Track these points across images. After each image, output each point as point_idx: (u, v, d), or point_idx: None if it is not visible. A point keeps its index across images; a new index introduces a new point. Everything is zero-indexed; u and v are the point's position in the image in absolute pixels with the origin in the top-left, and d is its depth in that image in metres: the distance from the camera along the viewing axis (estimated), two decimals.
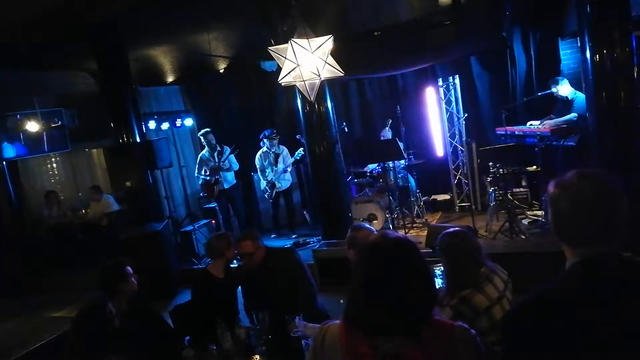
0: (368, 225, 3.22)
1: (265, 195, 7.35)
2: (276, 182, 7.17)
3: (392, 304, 1.35)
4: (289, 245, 6.42)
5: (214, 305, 3.28)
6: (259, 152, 7.31)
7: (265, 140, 7.17)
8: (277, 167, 7.12)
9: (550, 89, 5.78)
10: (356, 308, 1.42)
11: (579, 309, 1.19)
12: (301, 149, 6.96)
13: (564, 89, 5.73)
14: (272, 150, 7.18)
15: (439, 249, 2.47)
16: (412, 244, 1.48)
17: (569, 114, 5.63)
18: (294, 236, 7.20)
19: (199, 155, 7.51)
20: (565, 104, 5.79)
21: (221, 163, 7.16)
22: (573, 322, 1.18)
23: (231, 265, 3.80)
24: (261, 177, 7.33)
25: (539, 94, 5.90)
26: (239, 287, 3.64)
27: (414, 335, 1.35)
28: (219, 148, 7.33)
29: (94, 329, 2.29)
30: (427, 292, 1.41)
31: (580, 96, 5.66)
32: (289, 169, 7.26)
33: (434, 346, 1.35)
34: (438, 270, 2.77)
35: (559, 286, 1.27)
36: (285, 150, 7.25)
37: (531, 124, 5.85)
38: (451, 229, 2.55)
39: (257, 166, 7.33)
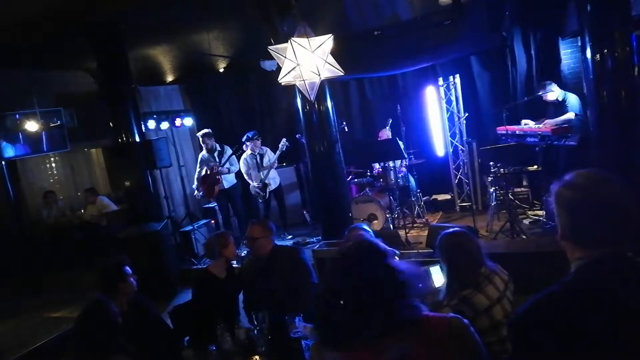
0: (365, 226, 3.21)
1: (259, 198, 7.29)
2: (267, 182, 7.15)
3: (359, 310, 1.36)
4: (294, 245, 6.40)
5: (214, 305, 3.26)
6: (244, 156, 7.26)
7: (248, 143, 7.15)
8: (264, 167, 7.11)
9: (538, 93, 5.79)
10: (327, 320, 1.43)
11: (590, 310, 1.18)
12: (283, 139, 6.96)
13: (553, 94, 5.73)
14: (257, 152, 7.18)
15: (440, 248, 2.47)
16: (369, 246, 1.49)
17: (563, 114, 5.63)
18: (289, 237, 7.18)
19: (200, 155, 7.49)
20: (558, 106, 5.79)
21: (220, 168, 7.14)
22: (584, 323, 1.18)
23: (234, 265, 3.78)
24: (249, 181, 7.29)
25: (539, 93, 5.90)
26: (242, 288, 3.62)
27: (399, 333, 1.35)
28: (219, 149, 7.31)
29: (98, 329, 2.28)
30: (394, 290, 1.40)
31: (571, 96, 5.68)
32: (275, 165, 7.21)
33: (435, 340, 1.37)
34: (433, 268, 2.77)
35: (568, 287, 1.26)
36: (268, 150, 7.25)
37: (526, 123, 5.85)
38: (452, 229, 2.54)
39: (243, 170, 7.29)
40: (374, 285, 1.38)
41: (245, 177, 7.32)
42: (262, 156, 7.18)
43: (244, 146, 7.25)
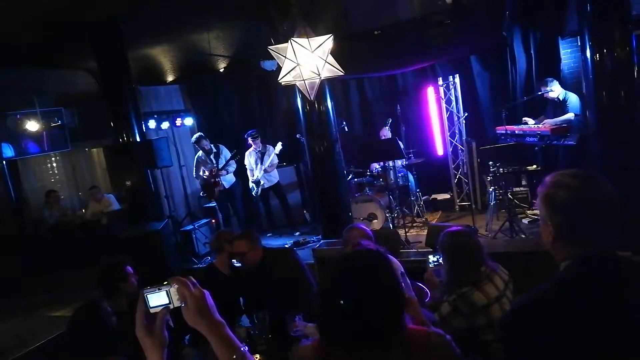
0: (363, 225, 3.23)
1: (252, 193, 7.41)
2: (261, 180, 7.25)
3: (352, 314, 1.38)
4: (288, 245, 6.43)
5: (218, 301, 3.27)
6: (247, 152, 7.41)
7: (250, 140, 7.26)
8: (262, 165, 7.20)
9: (540, 90, 5.79)
10: (324, 320, 1.47)
11: (579, 308, 1.19)
12: (279, 143, 7.14)
13: (554, 92, 5.73)
14: (258, 149, 7.27)
15: (441, 247, 2.49)
16: (374, 257, 1.52)
17: (563, 114, 5.63)
18: (297, 233, 7.23)
19: (196, 157, 7.51)
20: (557, 105, 5.79)
21: (220, 172, 7.17)
22: (573, 321, 1.19)
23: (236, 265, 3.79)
24: (249, 176, 7.42)
25: (539, 93, 5.90)
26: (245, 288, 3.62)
27: (385, 342, 1.38)
28: (214, 150, 7.33)
29: (91, 329, 2.27)
30: (389, 302, 1.42)
31: (572, 96, 5.67)
32: (275, 164, 7.32)
33: (413, 352, 1.40)
34: (432, 257, 2.77)
35: (557, 285, 1.27)
36: (271, 148, 7.31)
37: (526, 122, 5.86)
38: (454, 228, 2.56)
39: (247, 166, 7.43)
40: (376, 292, 1.41)
41: (248, 173, 7.45)
42: (262, 154, 7.24)
43: (247, 144, 7.36)
